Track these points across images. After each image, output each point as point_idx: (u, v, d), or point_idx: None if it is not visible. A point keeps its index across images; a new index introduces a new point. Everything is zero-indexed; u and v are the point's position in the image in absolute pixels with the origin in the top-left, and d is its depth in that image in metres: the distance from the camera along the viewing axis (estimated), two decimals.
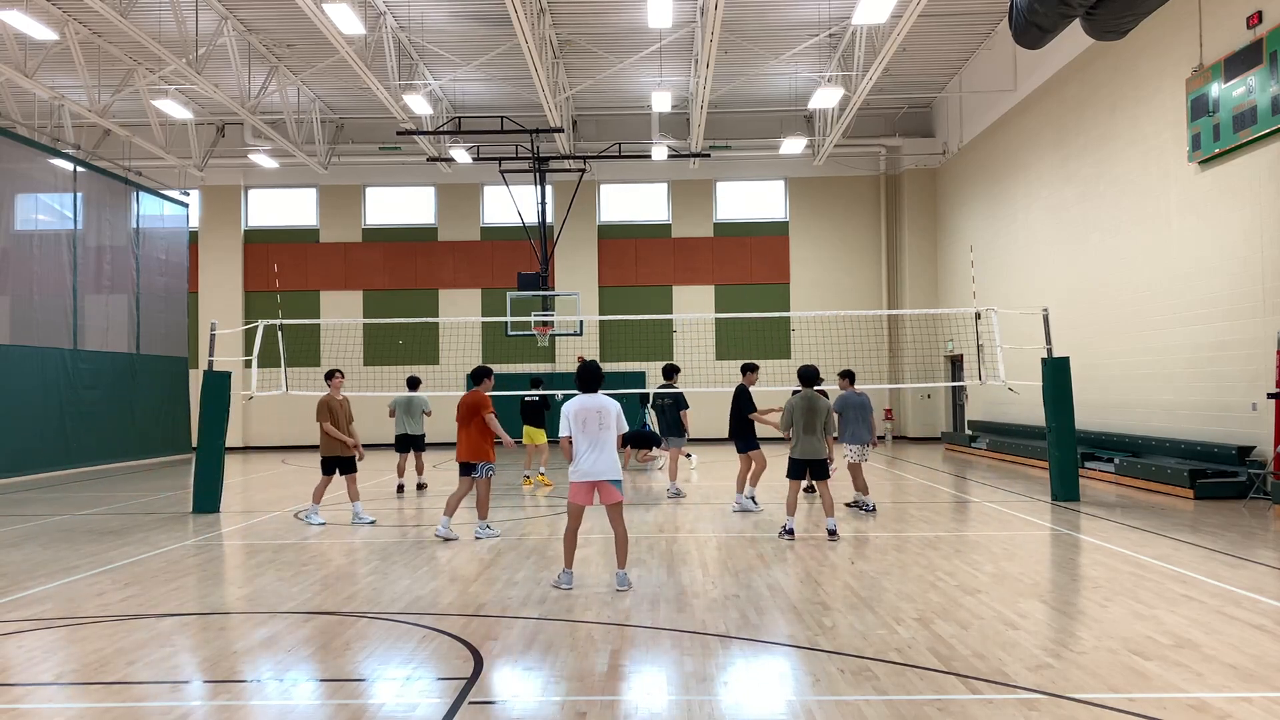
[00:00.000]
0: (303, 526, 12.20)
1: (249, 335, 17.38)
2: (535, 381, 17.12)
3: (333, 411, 12.30)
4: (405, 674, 5.84)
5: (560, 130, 24.24)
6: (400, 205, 30.88)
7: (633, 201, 30.78)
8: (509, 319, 22.62)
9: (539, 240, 23.63)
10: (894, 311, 28.21)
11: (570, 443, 8.09)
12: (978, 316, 15.63)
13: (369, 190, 30.80)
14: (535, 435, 16.64)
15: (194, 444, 15.68)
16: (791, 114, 28.47)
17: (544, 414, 16.71)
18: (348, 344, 28.18)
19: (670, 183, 30.37)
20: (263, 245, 30.53)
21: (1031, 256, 22.04)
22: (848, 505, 13.03)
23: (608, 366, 28.37)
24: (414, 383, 16.46)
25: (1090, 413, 17.90)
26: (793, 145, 26.42)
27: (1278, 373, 12.89)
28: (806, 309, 28.76)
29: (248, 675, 5.93)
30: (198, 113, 26.50)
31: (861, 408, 12.90)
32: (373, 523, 12.27)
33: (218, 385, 14.25)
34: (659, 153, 26.15)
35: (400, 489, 16.03)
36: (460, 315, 29.05)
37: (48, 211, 21.66)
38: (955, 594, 7.76)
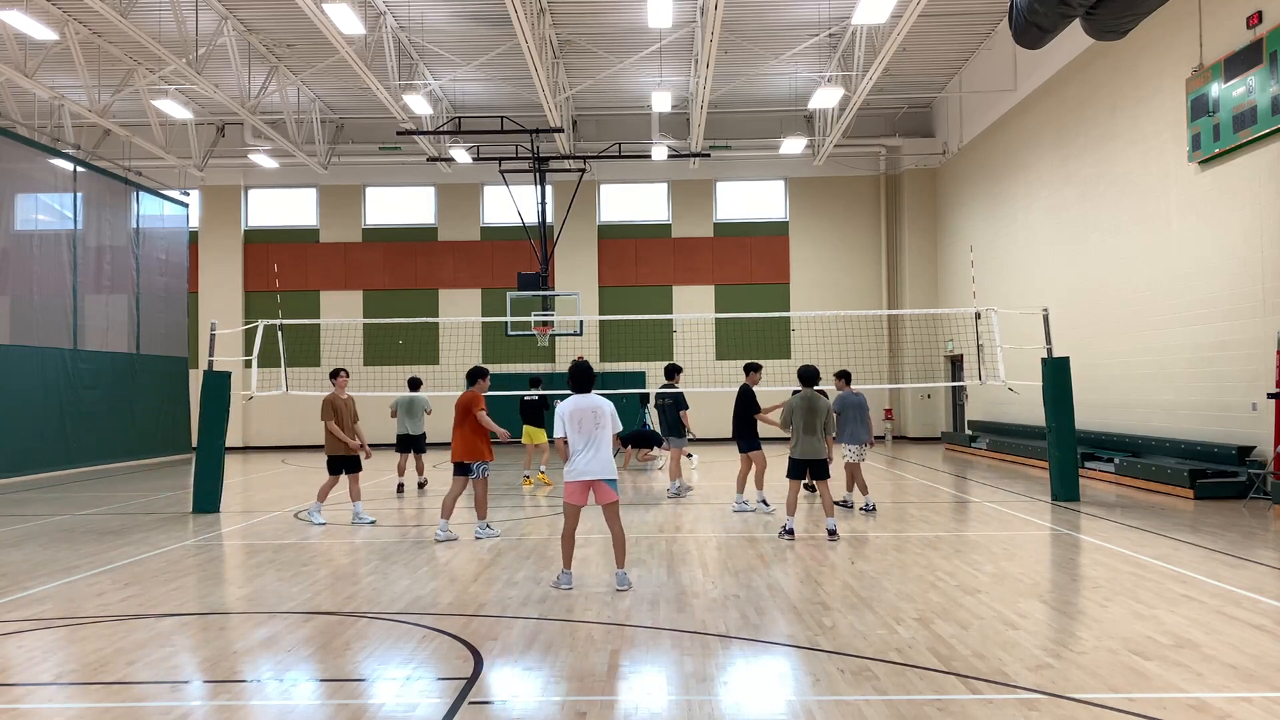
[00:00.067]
0: (303, 526, 12.20)
1: (249, 335, 17.40)
2: (535, 381, 17.14)
3: (337, 411, 12.27)
4: (405, 674, 5.84)
5: (560, 130, 24.23)
6: (400, 205, 30.86)
7: (633, 201, 30.76)
8: (509, 319, 22.61)
9: (539, 240, 23.62)
10: (894, 311, 28.20)
11: (566, 443, 8.09)
12: (978, 316, 15.64)
13: (369, 190, 30.80)
14: (535, 435, 16.68)
15: (194, 444, 15.68)
16: (791, 114, 28.47)
17: (544, 413, 16.73)
18: (348, 344, 28.17)
19: (670, 183, 30.35)
20: (263, 245, 30.52)
21: (1031, 256, 22.03)
22: (835, 504, 13.01)
23: (608, 367, 28.44)
24: (415, 383, 16.51)
25: (1090, 413, 17.90)
26: (793, 145, 26.40)
27: (1278, 373, 12.89)
28: (806, 309, 28.76)
29: (248, 675, 5.93)
30: (198, 113, 26.51)
31: (860, 408, 12.92)
32: (373, 523, 12.27)
33: (218, 385, 14.26)
34: (659, 153, 26.14)
35: (400, 489, 16.05)
36: (460, 315, 29.04)
37: (48, 211, 21.66)
38: (955, 594, 7.76)
